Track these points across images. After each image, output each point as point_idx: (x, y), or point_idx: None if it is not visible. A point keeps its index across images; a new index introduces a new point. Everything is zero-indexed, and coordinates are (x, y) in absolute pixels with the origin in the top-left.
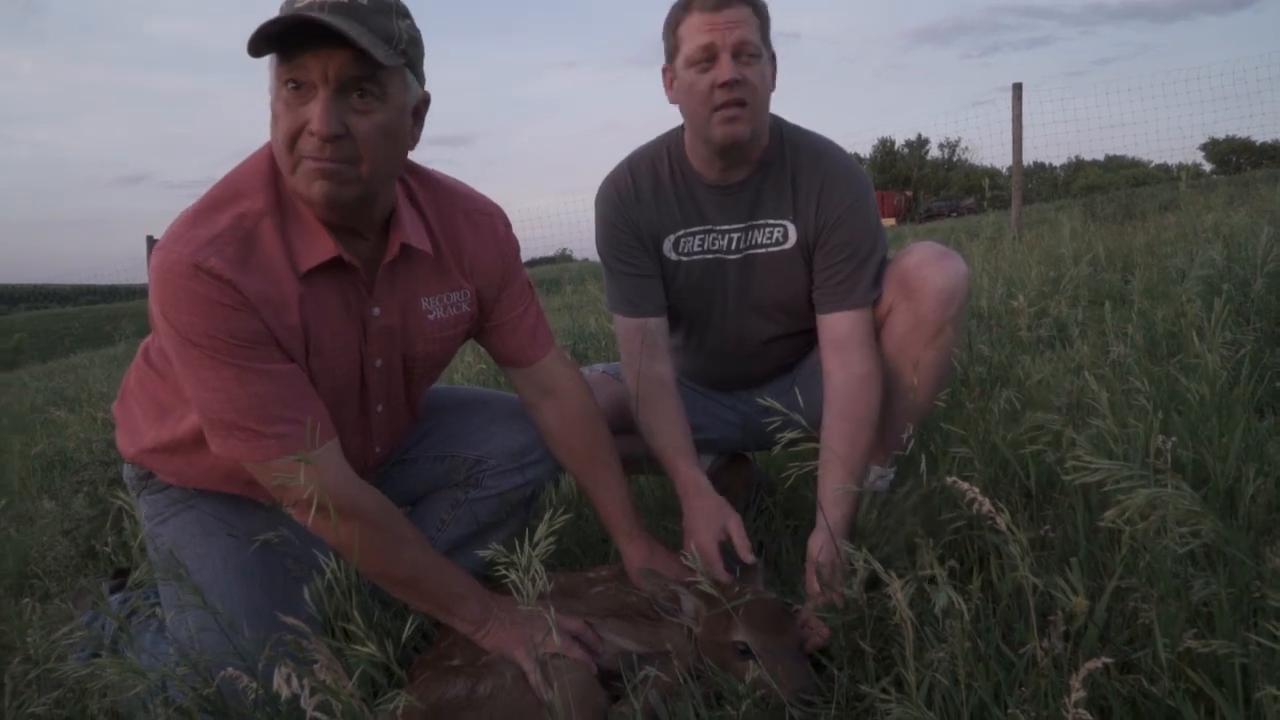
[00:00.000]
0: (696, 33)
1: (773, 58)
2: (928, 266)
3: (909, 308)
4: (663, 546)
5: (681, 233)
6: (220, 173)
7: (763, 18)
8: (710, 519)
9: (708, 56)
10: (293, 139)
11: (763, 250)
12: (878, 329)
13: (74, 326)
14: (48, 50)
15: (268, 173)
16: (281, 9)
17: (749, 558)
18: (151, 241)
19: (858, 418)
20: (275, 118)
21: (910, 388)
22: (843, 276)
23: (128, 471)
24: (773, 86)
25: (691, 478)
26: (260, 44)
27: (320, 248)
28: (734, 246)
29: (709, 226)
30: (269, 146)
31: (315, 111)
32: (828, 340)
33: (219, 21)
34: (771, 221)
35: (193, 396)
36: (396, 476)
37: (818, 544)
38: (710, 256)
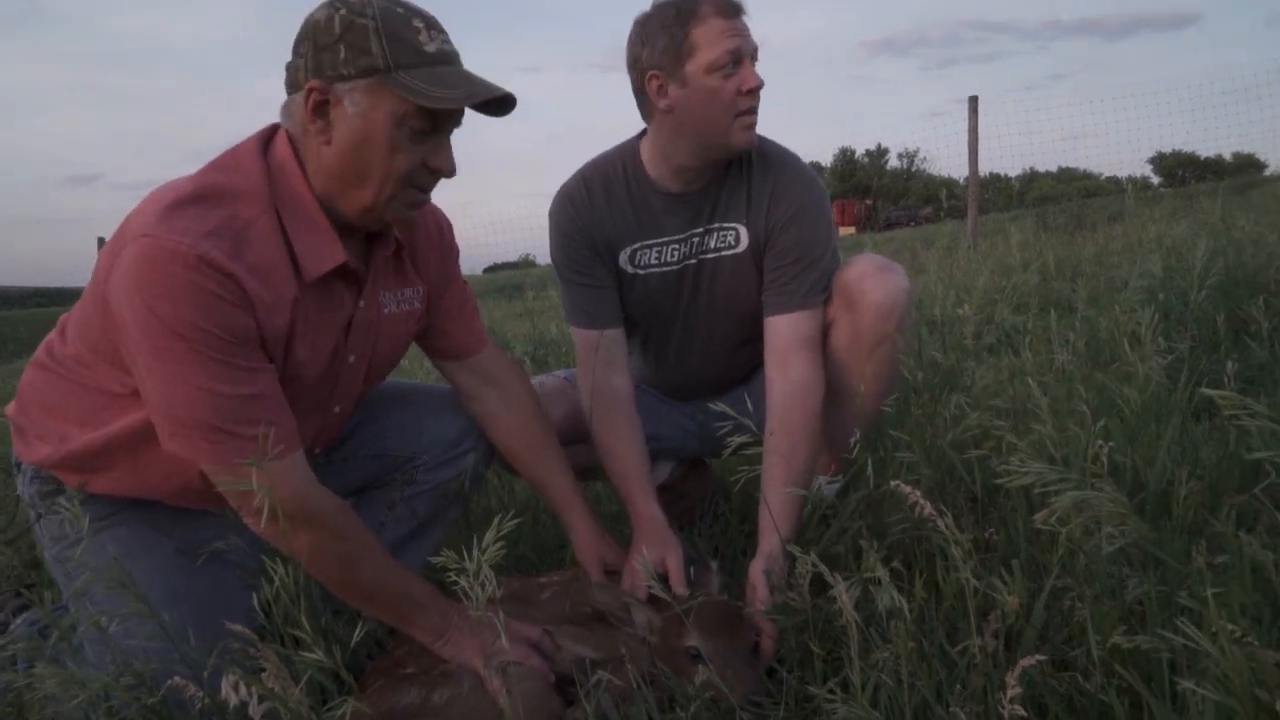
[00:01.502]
0: (720, 37)
1: None
2: (868, 280)
3: (849, 320)
4: (607, 533)
5: (638, 245)
6: (173, 174)
7: None
8: (655, 552)
9: (734, 61)
10: (413, 172)
11: (714, 254)
12: (823, 339)
13: (19, 330)
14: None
15: (262, 174)
16: (432, 56)
17: (680, 590)
18: (103, 243)
19: (797, 429)
20: (392, 149)
21: (855, 394)
22: (786, 279)
23: (31, 485)
24: None
25: (646, 512)
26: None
27: (331, 254)
28: (691, 252)
29: (665, 238)
30: (254, 144)
31: (445, 153)
32: (770, 345)
33: (175, 19)
34: (725, 225)
35: (159, 393)
36: (328, 476)
37: (758, 571)
38: (667, 268)
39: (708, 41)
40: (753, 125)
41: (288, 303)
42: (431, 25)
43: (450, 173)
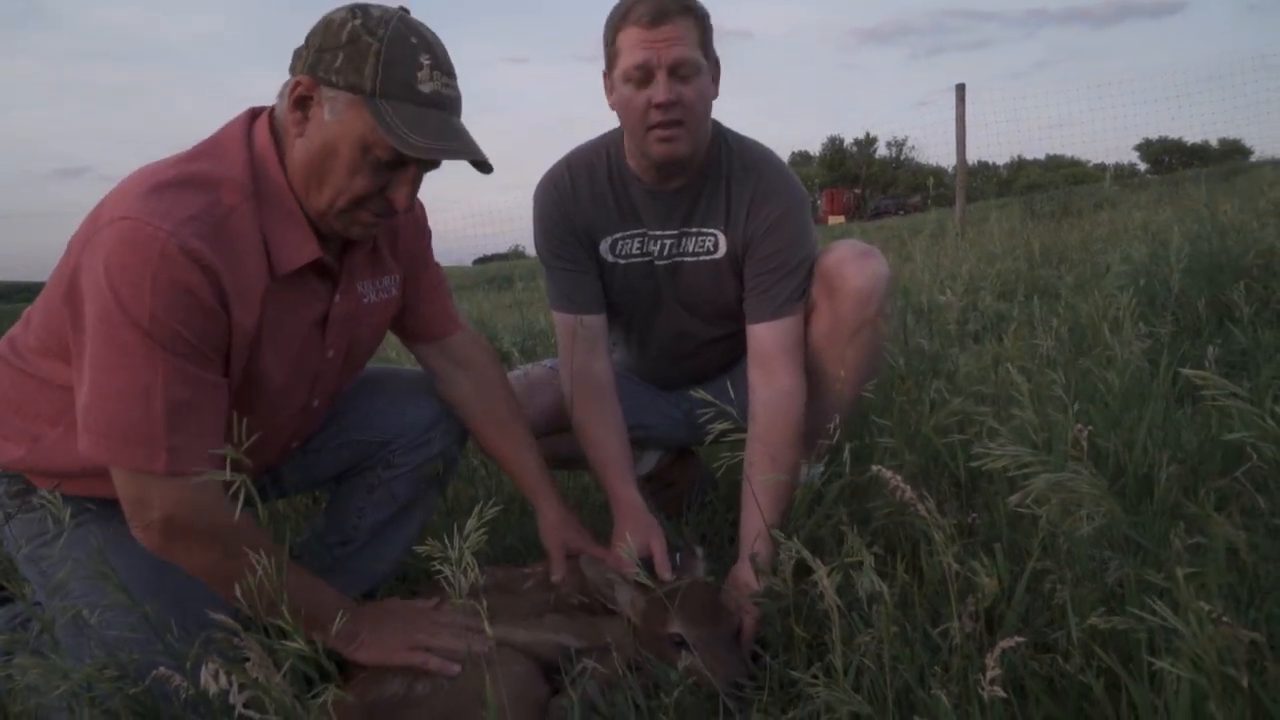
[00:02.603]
0: (633, 48)
1: (715, 64)
2: (847, 265)
3: (829, 307)
4: (574, 514)
5: (618, 235)
6: None
7: (703, 27)
8: (638, 537)
9: (644, 75)
10: (368, 197)
11: (692, 258)
12: (804, 325)
13: (4, 324)
14: None
15: (245, 163)
16: (423, 96)
17: (666, 575)
18: None
19: (780, 438)
20: (352, 169)
21: (837, 379)
22: (765, 287)
23: None
24: (714, 95)
25: (626, 498)
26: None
27: (304, 249)
28: (665, 252)
29: (644, 230)
30: (239, 131)
31: (404, 189)
32: (752, 353)
33: (156, 11)
34: (704, 230)
35: (95, 383)
36: (303, 465)
37: (741, 580)
38: (646, 259)
39: (625, 49)
40: (671, 138)
41: (258, 296)
42: (438, 66)
43: (403, 209)
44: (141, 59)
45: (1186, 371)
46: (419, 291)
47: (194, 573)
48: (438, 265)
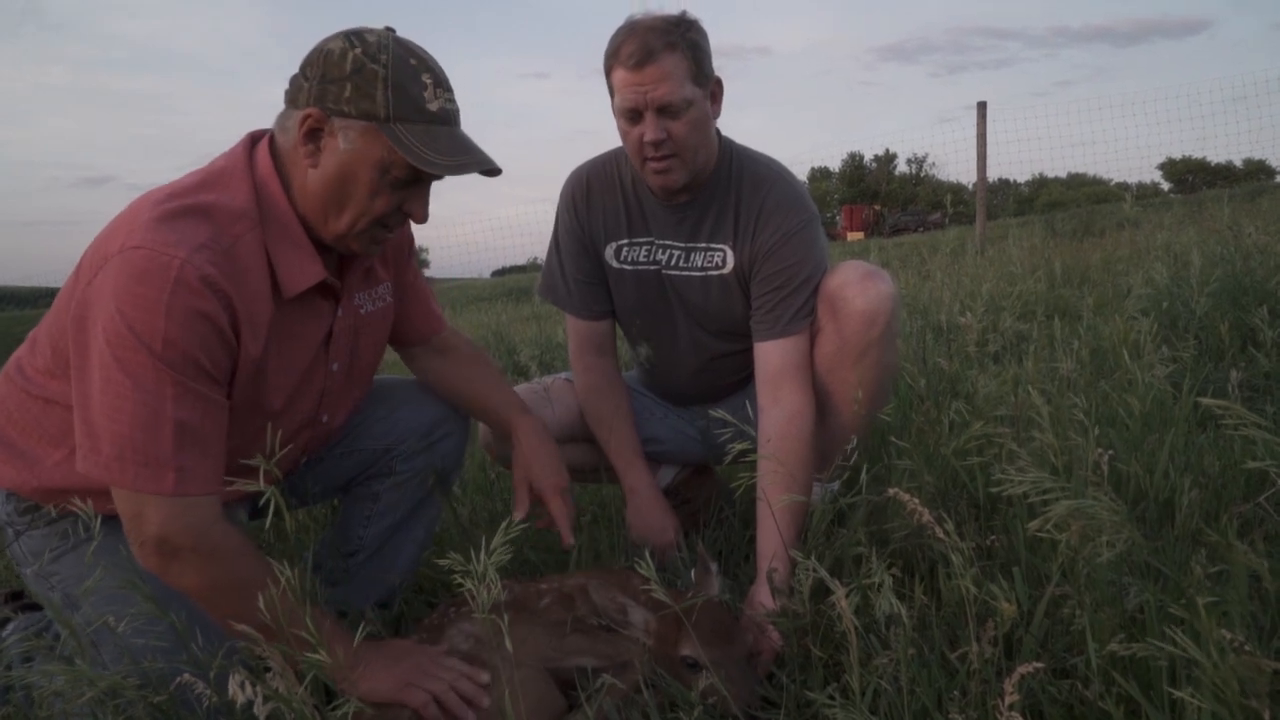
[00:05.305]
0: (623, 88)
1: (716, 83)
2: (850, 288)
3: (835, 329)
4: (554, 445)
5: (625, 241)
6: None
7: (694, 56)
8: (659, 528)
9: (634, 115)
10: (384, 217)
11: (700, 273)
12: (811, 348)
13: (29, 330)
14: (8, 49)
15: (250, 191)
16: (432, 115)
17: (670, 547)
18: None
19: (791, 457)
20: (373, 192)
21: (847, 400)
22: (770, 306)
23: (9, 503)
24: (715, 114)
25: (644, 479)
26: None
27: (308, 271)
28: (672, 263)
29: (652, 239)
30: (241, 160)
31: (420, 202)
32: (760, 372)
33: (182, 22)
34: (713, 245)
35: (102, 406)
36: (308, 479)
37: (757, 602)
38: (653, 267)
39: (616, 88)
40: (665, 170)
41: (265, 321)
42: (439, 83)
43: (422, 221)
44: (166, 68)
45: (1206, 401)
46: (403, 294)
47: (191, 595)
48: (418, 269)
